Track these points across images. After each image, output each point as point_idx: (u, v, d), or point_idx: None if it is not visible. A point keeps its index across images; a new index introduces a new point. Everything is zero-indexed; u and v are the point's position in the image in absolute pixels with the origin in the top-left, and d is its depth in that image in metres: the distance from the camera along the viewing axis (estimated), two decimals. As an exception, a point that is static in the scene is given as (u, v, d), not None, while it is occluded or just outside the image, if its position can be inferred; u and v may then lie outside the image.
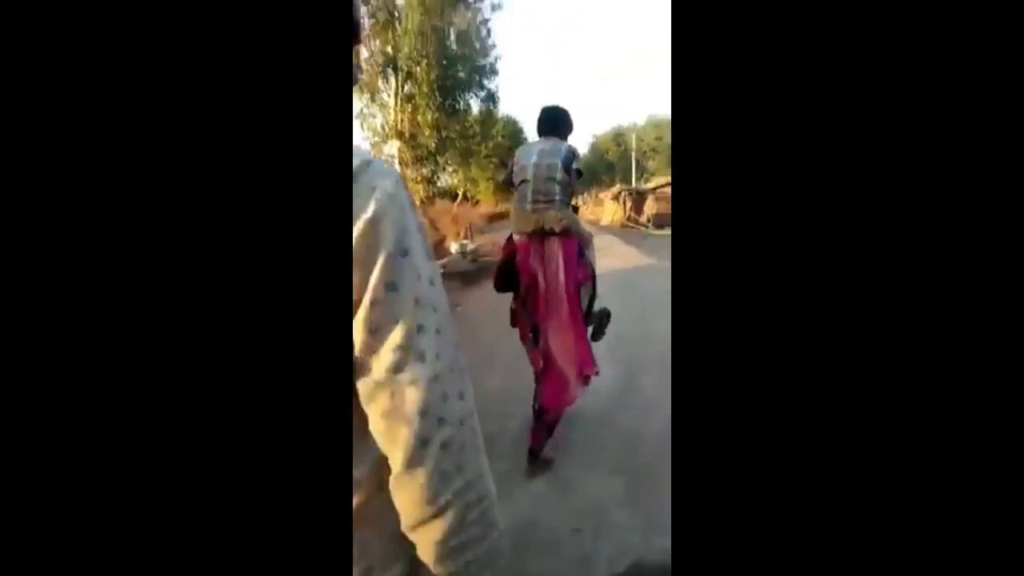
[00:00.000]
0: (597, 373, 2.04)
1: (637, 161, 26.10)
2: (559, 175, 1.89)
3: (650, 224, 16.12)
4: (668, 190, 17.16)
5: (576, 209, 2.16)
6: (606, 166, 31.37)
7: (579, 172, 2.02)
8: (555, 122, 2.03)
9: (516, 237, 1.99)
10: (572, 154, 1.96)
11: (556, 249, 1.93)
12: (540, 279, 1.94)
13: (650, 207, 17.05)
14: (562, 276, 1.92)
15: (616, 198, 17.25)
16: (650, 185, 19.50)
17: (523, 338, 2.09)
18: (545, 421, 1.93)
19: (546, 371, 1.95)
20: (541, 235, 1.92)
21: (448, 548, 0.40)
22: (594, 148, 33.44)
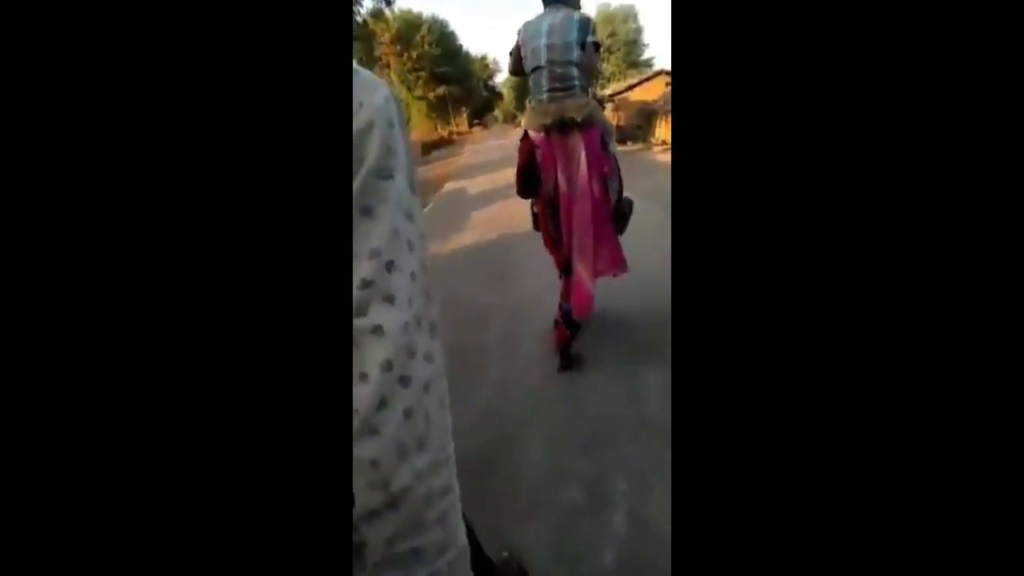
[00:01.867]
0: (625, 271, 1.89)
1: (590, 63, 22.58)
2: (576, 55, 1.59)
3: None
4: (628, 96, 14.48)
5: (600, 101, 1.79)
6: (555, 73, 27.45)
7: (596, 45, 1.67)
8: None
9: (532, 134, 1.70)
10: (586, 26, 1.62)
11: (578, 142, 1.65)
12: (562, 177, 1.69)
13: (609, 117, 14.44)
14: (584, 171, 1.66)
15: (569, 110, 14.45)
16: (607, 92, 16.61)
17: (546, 242, 1.94)
18: (573, 323, 1.83)
19: (570, 275, 1.81)
20: (561, 128, 1.64)
21: (397, 552, 0.31)
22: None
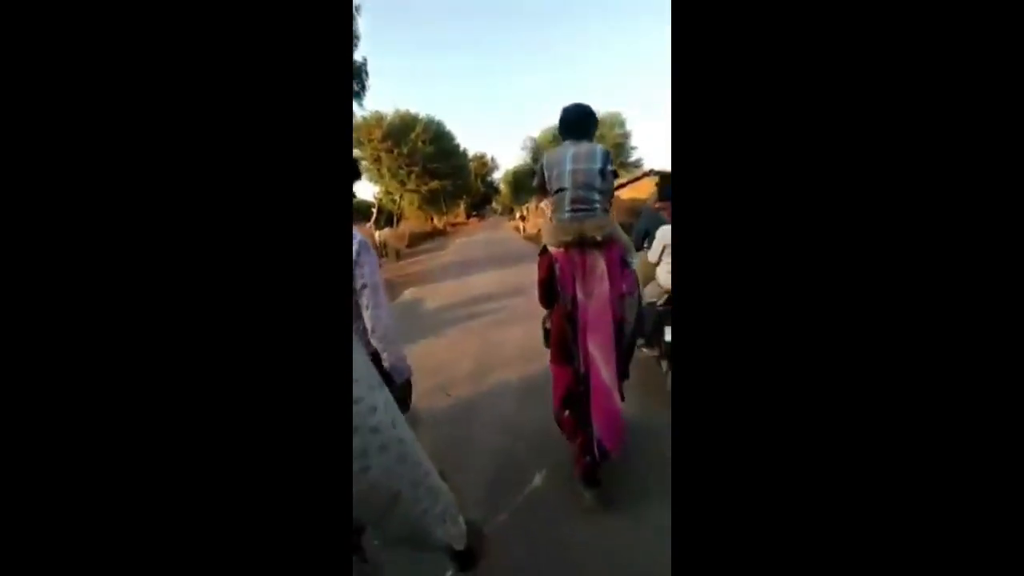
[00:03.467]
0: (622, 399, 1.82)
1: (580, 163, 23.17)
2: (598, 183, 1.74)
3: (601, 237, 13.09)
4: (619, 195, 14.25)
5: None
6: (547, 171, 28.31)
7: (615, 173, 1.86)
8: (583, 123, 1.83)
9: (552, 250, 1.80)
10: (607, 156, 1.78)
11: (598, 260, 1.74)
12: (581, 293, 1.74)
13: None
14: (606, 288, 1.72)
15: (557, 207, 14.06)
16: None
17: (554, 359, 1.87)
18: (605, 451, 1.73)
19: (594, 396, 1.73)
20: (581, 246, 1.73)
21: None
22: (535, 150, 30.25)
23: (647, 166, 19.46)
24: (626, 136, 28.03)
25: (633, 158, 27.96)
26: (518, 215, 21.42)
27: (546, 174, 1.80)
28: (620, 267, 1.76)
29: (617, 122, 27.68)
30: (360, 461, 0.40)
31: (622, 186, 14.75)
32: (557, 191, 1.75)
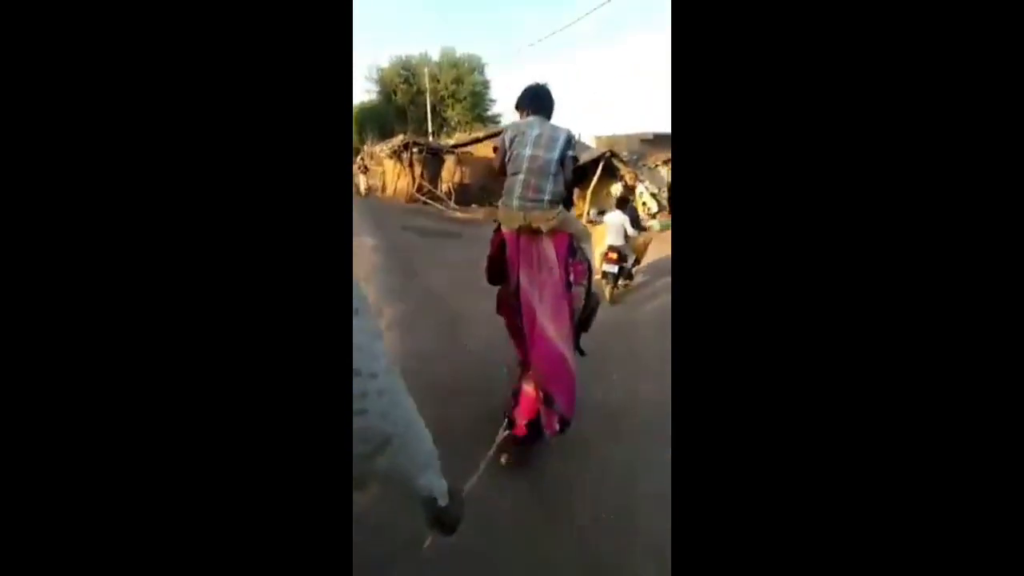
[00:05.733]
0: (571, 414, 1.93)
1: (433, 107, 20.37)
2: (554, 169, 1.77)
3: (451, 198, 11.21)
4: (473, 150, 12.45)
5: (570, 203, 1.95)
6: (396, 110, 24.55)
7: (575, 159, 1.87)
8: (547, 102, 1.88)
9: (504, 229, 1.88)
10: (569, 143, 1.81)
11: (546, 248, 1.82)
12: (525, 280, 1.85)
13: (450, 172, 12.01)
14: (553, 278, 1.82)
15: (396, 155, 11.50)
16: (450, 141, 14.42)
17: (509, 326, 2.03)
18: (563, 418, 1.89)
19: (544, 367, 1.87)
20: (530, 231, 1.81)
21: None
22: (381, 82, 25.92)
23: (505, 122, 17.92)
24: (486, 85, 25.86)
25: (491, 112, 26.15)
26: (358, 161, 17.90)
27: (507, 154, 1.82)
28: (569, 255, 1.82)
29: (477, 66, 25.24)
30: (358, 403, 0.42)
31: (478, 140, 12.96)
32: (512, 174, 1.78)
